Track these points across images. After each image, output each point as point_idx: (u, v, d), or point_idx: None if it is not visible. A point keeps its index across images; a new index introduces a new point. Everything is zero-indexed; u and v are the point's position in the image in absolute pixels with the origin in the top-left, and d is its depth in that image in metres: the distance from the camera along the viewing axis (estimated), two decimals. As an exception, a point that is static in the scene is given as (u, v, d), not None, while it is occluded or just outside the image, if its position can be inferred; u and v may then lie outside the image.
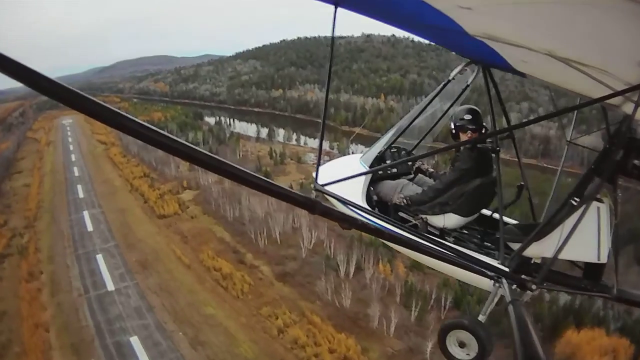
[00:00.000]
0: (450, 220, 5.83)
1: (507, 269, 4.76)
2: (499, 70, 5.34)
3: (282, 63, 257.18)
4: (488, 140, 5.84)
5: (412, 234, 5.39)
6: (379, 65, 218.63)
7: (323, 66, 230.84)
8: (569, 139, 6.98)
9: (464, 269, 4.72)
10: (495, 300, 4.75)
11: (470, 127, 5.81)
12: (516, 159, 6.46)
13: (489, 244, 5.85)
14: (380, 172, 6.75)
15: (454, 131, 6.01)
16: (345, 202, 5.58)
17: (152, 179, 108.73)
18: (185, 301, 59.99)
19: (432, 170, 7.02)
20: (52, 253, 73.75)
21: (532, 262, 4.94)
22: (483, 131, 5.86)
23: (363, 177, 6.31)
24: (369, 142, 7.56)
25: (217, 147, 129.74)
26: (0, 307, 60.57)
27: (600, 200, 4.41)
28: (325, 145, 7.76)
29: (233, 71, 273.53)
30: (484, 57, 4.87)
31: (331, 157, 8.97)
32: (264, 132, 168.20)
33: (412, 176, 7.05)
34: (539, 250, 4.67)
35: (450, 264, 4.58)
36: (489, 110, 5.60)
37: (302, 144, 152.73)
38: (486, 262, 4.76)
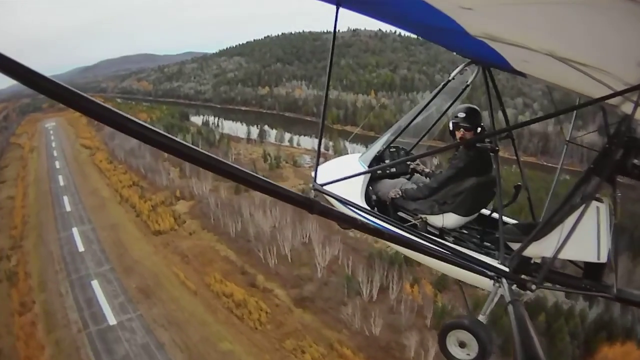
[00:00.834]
0: (449, 220, 5.79)
1: (507, 269, 4.73)
2: (499, 70, 5.38)
3: (267, 59, 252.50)
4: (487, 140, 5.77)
5: (412, 234, 5.41)
6: (367, 61, 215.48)
7: (310, 61, 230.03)
8: (568, 139, 6.95)
9: (463, 268, 4.73)
10: (495, 300, 4.67)
11: (463, 125, 5.80)
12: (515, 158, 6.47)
13: (489, 244, 5.86)
14: (379, 172, 6.76)
15: (450, 129, 6.00)
16: (344, 201, 5.64)
17: (142, 188, 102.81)
18: (198, 336, 54.13)
19: (427, 170, 7.03)
20: (43, 279, 67.73)
21: (532, 262, 4.87)
22: (479, 130, 5.79)
23: (362, 176, 6.33)
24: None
25: (208, 151, 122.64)
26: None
27: (599, 200, 4.38)
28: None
29: (218, 68, 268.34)
30: (485, 57, 4.89)
31: (327, 159, 8.62)
32: (254, 132, 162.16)
33: (409, 176, 7.08)
34: (539, 250, 4.62)
35: (449, 263, 4.63)
36: (488, 110, 5.60)
37: (295, 144, 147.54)
38: (486, 262, 4.76)
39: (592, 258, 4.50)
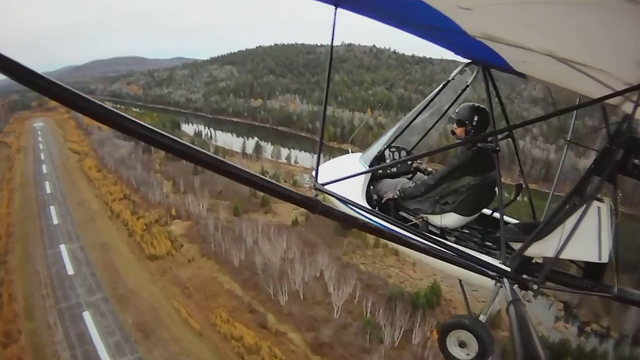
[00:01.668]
0: (450, 219, 5.80)
1: (508, 269, 4.75)
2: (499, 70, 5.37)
3: (260, 70, 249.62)
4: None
5: (413, 234, 5.41)
6: (362, 77, 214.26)
7: (303, 75, 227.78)
8: (568, 139, 6.81)
9: (465, 268, 4.71)
10: (496, 300, 4.67)
11: (455, 119, 5.92)
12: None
13: (490, 244, 5.87)
14: (380, 172, 6.79)
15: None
16: (345, 201, 5.61)
17: (133, 203, 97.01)
18: (208, 389, 47.47)
19: (430, 169, 7.04)
20: (30, 304, 61.02)
21: (534, 261, 4.90)
22: (471, 125, 5.78)
23: (363, 176, 6.31)
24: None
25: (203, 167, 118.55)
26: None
27: (600, 200, 4.39)
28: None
29: (209, 77, 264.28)
30: (484, 58, 4.89)
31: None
32: (250, 145, 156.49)
33: (411, 175, 7.13)
34: (540, 249, 4.63)
35: (451, 263, 4.56)
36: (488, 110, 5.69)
37: (292, 161, 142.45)
38: (487, 262, 4.80)
39: (593, 258, 4.45)
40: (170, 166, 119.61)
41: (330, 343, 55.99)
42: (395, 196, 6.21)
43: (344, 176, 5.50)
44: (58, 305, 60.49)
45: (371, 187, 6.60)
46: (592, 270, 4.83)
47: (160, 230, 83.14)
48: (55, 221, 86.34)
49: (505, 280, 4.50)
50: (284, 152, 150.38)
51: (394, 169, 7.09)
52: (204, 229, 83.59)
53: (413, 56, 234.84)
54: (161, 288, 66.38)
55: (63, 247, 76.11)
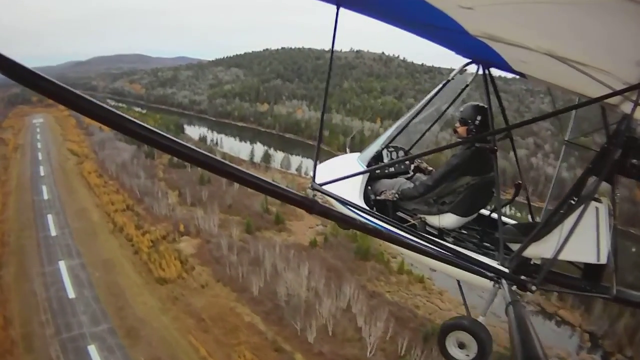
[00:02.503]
0: (448, 220, 5.79)
1: (506, 270, 4.70)
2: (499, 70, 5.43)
3: (266, 74, 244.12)
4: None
5: (411, 234, 5.39)
6: (372, 85, 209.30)
7: (311, 81, 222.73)
8: (566, 139, 6.87)
9: (463, 269, 4.69)
10: (495, 301, 4.67)
11: (459, 117, 5.87)
12: None
13: (488, 244, 5.89)
14: (377, 172, 6.77)
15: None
16: (343, 201, 5.57)
17: (137, 215, 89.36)
18: None
19: (430, 168, 7.01)
20: (28, 331, 53.39)
21: (532, 262, 4.88)
22: (474, 125, 5.75)
23: (361, 176, 6.28)
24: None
25: (211, 176, 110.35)
26: None
27: (598, 200, 4.37)
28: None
29: (214, 78, 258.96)
30: (484, 57, 4.96)
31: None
32: (257, 152, 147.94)
33: (410, 175, 7.10)
34: (539, 250, 4.61)
35: (449, 264, 4.59)
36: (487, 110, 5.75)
37: (303, 173, 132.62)
38: (485, 263, 4.71)
39: (591, 259, 4.45)
40: (174, 174, 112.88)
41: (369, 390, 49.18)
42: (395, 198, 6.09)
43: (342, 176, 5.40)
44: (60, 335, 53.18)
45: (369, 187, 6.48)
46: (590, 272, 4.76)
47: (169, 249, 75.56)
48: (53, 232, 79.14)
49: (503, 281, 4.42)
50: (294, 161, 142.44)
51: (392, 169, 6.99)
52: (216, 248, 76.35)
53: (422, 65, 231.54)
54: (174, 318, 58.89)
55: (62, 264, 68.87)
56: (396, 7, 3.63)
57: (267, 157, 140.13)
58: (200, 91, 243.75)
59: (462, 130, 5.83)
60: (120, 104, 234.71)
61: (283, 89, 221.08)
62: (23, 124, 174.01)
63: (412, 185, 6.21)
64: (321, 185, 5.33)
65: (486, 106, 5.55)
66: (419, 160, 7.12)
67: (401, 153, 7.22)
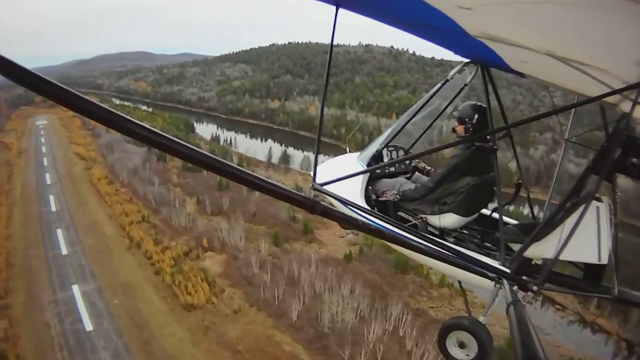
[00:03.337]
0: (449, 220, 5.71)
1: (507, 270, 4.66)
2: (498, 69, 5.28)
3: (275, 70, 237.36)
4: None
5: (412, 234, 5.27)
6: (384, 80, 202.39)
7: (321, 76, 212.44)
8: (566, 137, 6.65)
9: (464, 269, 4.65)
10: (496, 301, 4.58)
11: (456, 117, 5.81)
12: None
13: (489, 244, 5.75)
14: (378, 171, 6.68)
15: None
16: (344, 201, 5.51)
17: (154, 227, 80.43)
18: None
19: (429, 168, 6.97)
20: None
21: (533, 262, 4.79)
22: (471, 124, 5.65)
23: (361, 176, 6.17)
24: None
25: (230, 181, 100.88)
26: None
27: (599, 200, 4.31)
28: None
29: (222, 75, 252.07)
30: (483, 57, 4.91)
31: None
32: (274, 151, 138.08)
33: (409, 175, 7.07)
34: (540, 251, 4.53)
35: (450, 264, 4.53)
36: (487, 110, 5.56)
37: None
38: (486, 263, 4.68)
39: (592, 259, 4.36)
40: (190, 178, 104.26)
41: None
42: (396, 199, 6.01)
43: (343, 176, 5.36)
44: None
45: (369, 187, 6.39)
46: (591, 272, 4.66)
47: (193, 268, 66.81)
48: (64, 250, 70.47)
49: (504, 281, 4.39)
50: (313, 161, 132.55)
51: (392, 169, 6.90)
52: (245, 266, 67.79)
53: (433, 59, 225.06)
54: (206, 352, 50.68)
55: (76, 289, 60.24)
56: (395, 7, 3.62)
57: (285, 158, 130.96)
58: (209, 88, 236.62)
59: (460, 129, 5.69)
60: (125, 103, 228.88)
61: (294, 85, 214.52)
62: (26, 126, 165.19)
63: (412, 185, 6.13)
64: (322, 185, 5.28)
65: (484, 105, 5.47)
66: (417, 160, 6.96)
67: (401, 152, 7.05)
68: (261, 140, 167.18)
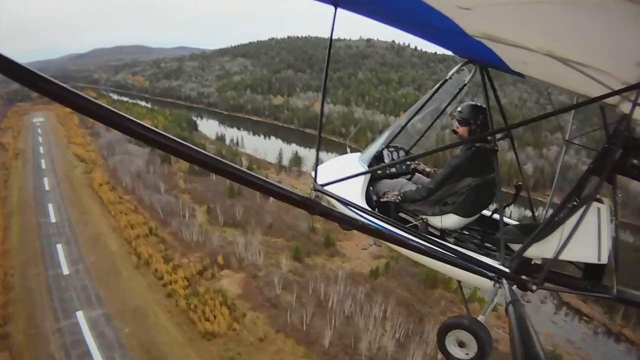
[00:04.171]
0: (450, 220, 5.68)
1: (507, 270, 4.64)
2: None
3: (276, 64, 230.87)
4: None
5: (413, 235, 5.16)
6: (389, 76, 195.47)
7: (324, 71, 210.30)
8: (566, 139, 6.78)
9: (464, 269, 4.63)
10: (495, 300, 4.61)
11: (457, 118, 5.73)
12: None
13: (490, 245, 5.80)
14: (379, 172, 6.64)
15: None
16: (344, 202, 5.30)
17: (164, 242, 73.02)
18: None
19: (429, 169, 6.89)
20: None
21: (533, 262, 4.79)
22: (474, 125, 5.64)
23: (362, 177, 6.17)
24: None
25: (241, 187, 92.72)
26: None
27: (600, 201, 4.32)
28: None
29: (221, 69, 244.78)
30: (482, 57, 4.89)
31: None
32: (285, 151, 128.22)
33: (410, 175, 7.00)
34: (540, 251, 4.53)
35: (450, 264, 4.51)
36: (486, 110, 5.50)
37: None
38: (487, 263, 4.62)
39: (592, 259, 4.38)
40: (198, 183, 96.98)
41: None
42: (397, 200, 5.94)
43: (343, 177, 5.05)
44: None
45: (370, 187, 6.34)
46: (591, 271, 4.71)
47: (209, 289, 59.62)
48: (65, 269, 62.96)
49: (504, 281, 4.33)
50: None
51: (393, 169, 6.87)
52: (267, 285, 60.94)
53: (436, 54, 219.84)
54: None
55: (81, 316, 53.00)
56: (394, 7, 3.57)
57: (297, 160, 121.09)
58: (208, 83, 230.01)
59: (463, 130, 5.65)
60: (124, 98, 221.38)
61: (296, 80, 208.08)
62: (23, 124, 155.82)
63: (413, 186, 6.09)
64: (323, 186, 4.96)
65: (484, 106, 5.44)
66: (417, 162, 6.92)
67: (402, 153, 6.99)
68: (265, 137, 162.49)
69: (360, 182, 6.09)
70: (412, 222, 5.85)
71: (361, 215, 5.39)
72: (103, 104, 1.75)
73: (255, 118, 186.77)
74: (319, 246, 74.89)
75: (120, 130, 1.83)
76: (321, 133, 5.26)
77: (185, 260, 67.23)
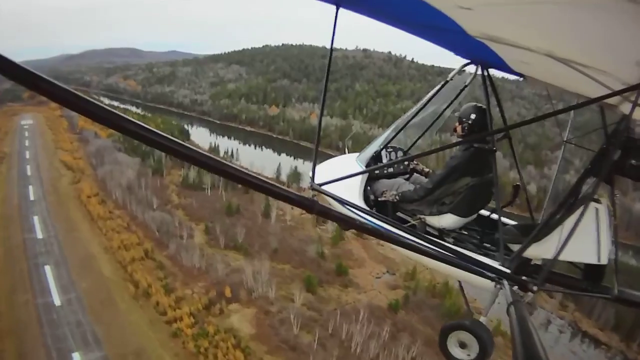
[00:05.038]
0: (448, 220, 5.55)
1: (507, 270, 4.56)
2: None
3: (271, 73, 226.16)
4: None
5: (411, 235, 5.10)
6: (387, 89, 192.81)
7: (320, 81, 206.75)
8: (565, 139, 6.51)
9: (463, 270, 4.59)
10: (496, 301, 4.56)
11: (457, 117, 5.70)
12: None
13: (489, 245, 5.67)
14: (377, 172, 6.52)
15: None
16: (343, 202, 5.36)
17: (162, 268, 66.26)
18: None
19: (427, 170, 6.95)
20: None
21: (532, 263, 4.76)
22: (469, 122, 5.50)
23: (360, 176, 6.03)
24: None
25: (240, 203, 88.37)
26: None
27: (598, 201, 4.30)
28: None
29: (215, 76, 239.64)
30: (483, 58, 4.84)
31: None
32: (283, 164, 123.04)
33: (408, 176, 6.94)
34: (539, 251, 4.47)
35: (449, 265, 4.48)
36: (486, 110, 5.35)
37: None
38: (486, 263, 4.58)
39: (592, 260, 4.34)
40: (192, 198, 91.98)
41: None
42: (395, 199, 5.84)
43: (341, 176, 5.17)
44: None
45: (368, 187, 6.25)
46: (591, 272, 4.67)
47: (219, 328, 53.20)
48: (57, 300, 56.05)
49: (504, 281, 4.32)
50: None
51: (391, 169, 6.76)
52: (282, 324, 54.96)
53: (433, 67, 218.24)
54: None
55: (77, 358, 46.52)
56: (395, 7, 3.57)
57: (296, 176, 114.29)
58: (202, 90, 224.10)
59: (459, 128, 5.59)
60: (114, 102, 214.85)
61: (292, 90, 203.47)
62: (11, 125, 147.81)
63: (411, 186, 6.03)
64: (321, 185, 5.11)
65: (484, 106, 5.34)
66: (415, 162, 6.93)
67: (400, 153, 6.93)
68: (257, 147, 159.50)
69: (358, 182, 5.94)
70: (410, 222, 5.72)
71: (359, 215, 5.28)
72: (102, 105, 1.78)
73: (249, 128, 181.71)
74: (331, 274, 69.51)
75: (119, 130, 1.86)
76: (320, 132, 5.41)
77: (189, 291, 61.25)
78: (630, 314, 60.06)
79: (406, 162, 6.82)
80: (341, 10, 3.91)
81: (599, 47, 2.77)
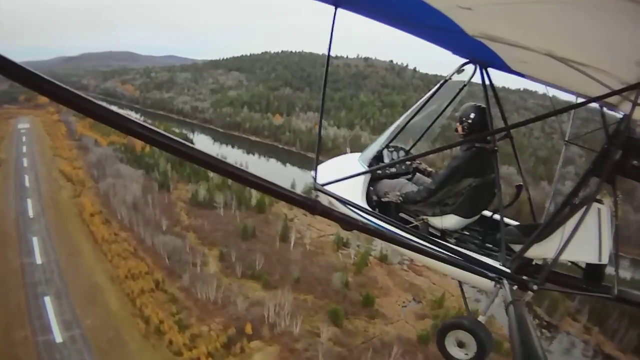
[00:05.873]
0: (450, 221, 5.44)
1: (508, 270, 4.55)
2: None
3: (273, 81, 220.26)
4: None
5: (413, 235, 5.11)
6: (392, 99, 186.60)
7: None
8: (566, 139, 6.63)
9: (465, 270, 4.60)
10: (496, 300, 4.53)
11: (459, 118, 5.60)
12: None
13: (490, 245, 5.64)
14: (379, 172, 6.42)
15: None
16: (345, 202, 5.40)
17: (175, 301, 60.04)
18: None
19: (430, 169, 6.81)
20: None
21: (534, 263, 4.72)
22: (468, 122, 5.43)
23: (362, 176, 5.94)
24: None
25: (255, 225, 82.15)
26: None
27: (600, 201, 4.26)
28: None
29: (215, 83, 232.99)
30: (483, 58, 4.83)
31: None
32: (298, 179, 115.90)
33: (410, 176, 6.84)
34: (541, 251, 4.46)
35: (451, 265, 4.48)
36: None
37: None
38: (487, 263, 4.56)
39: (593, 259, 4.33)
40: (203, 219, 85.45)
41: None
42: (398, 201, 5.72)
43: (344, 176, 5.31)
44: None
45: (371, 187, 6.15)
46: (592, 272, 4.63)
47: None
48: (58, 337, 50.09)
49: (504, 281, 4.28)
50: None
51: (393, 169, 6.65)
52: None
53: (435, 76, 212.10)
54: None
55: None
56: (394, 7, 3.57)
57: (309, 194, 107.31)
58: (202, 97, 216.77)
59: (459, 128, 5.52)
60: (113, 107, 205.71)
61: (295, 100, 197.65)
62: (7, 130, 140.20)
63: (414, 186, 5.94)
64: (323, 185, 5.21)
65: (484, 106, 5.31)
66: (418, 162, 6.83)
67: (402, 153, 6.84)
68: (263, 157, 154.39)
69: (361, 182, 5.86)
70: (412, 223, 5.61)
71: (361, 215, 5.26)
72: (104, 105, 1.79)
73: (253, 138, 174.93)
74: (356, 305, 64.30)
75: (122, 131, 1.86)
76: (321, 132, 5.47)
77: (205, 327, 55.25)
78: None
79: (408, 162, 6.68)
80: (341, 16, 3.90)
81: (598, 46, 2.73)
